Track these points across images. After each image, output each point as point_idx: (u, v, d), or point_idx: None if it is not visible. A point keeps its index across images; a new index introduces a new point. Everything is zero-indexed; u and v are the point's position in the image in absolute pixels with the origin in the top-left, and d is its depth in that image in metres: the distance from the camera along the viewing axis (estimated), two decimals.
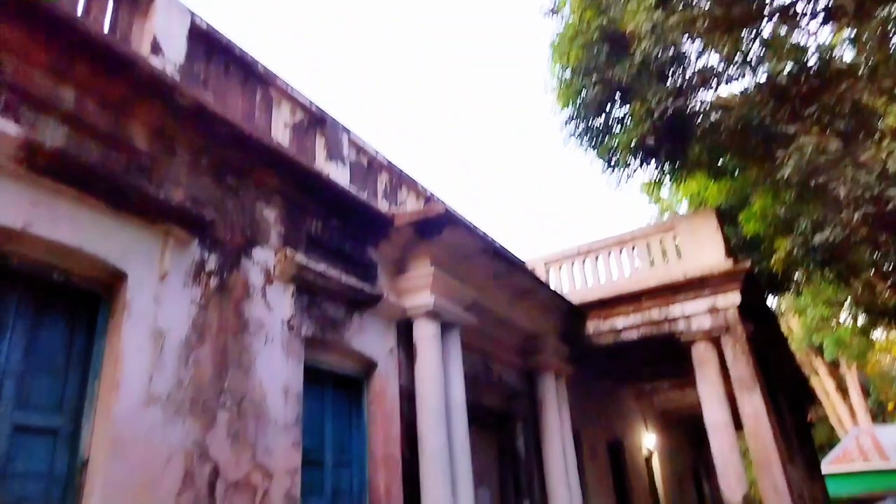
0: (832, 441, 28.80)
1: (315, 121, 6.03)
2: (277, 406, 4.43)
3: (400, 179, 7.11)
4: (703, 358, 7.91)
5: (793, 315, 24.43)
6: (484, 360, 7.41)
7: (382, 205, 6.65)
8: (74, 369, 3.56)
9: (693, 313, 8.03)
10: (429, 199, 7.40)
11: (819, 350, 25.56)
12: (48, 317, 3.55)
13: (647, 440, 13.22)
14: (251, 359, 4.34)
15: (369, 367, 5.59)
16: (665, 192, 16.60)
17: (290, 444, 4.43)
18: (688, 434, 16.65)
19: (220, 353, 4.13)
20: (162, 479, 3.54)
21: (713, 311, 7.89)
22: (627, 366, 10.91)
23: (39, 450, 3.32)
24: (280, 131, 5.62)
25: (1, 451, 3.16)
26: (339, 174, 5.98)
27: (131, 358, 3.59)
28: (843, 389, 27.65)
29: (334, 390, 5.30)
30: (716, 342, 7.92)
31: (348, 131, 6.32)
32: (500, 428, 7.79)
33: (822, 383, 27.62)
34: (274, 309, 4.64)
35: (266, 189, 4.85)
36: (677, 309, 8.16)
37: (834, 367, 27.39)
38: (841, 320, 21.87)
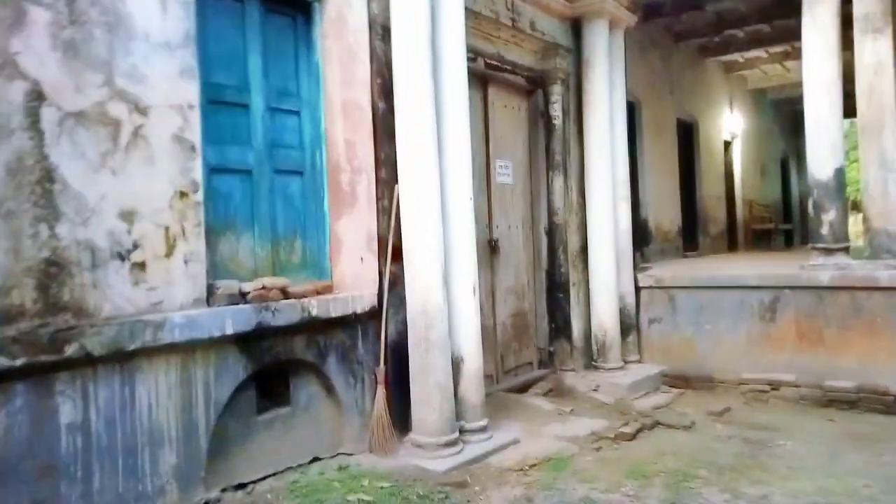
0: None
1: None
2: (148, 14, 3.07)
3: None
4: None
5: None
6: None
7: None
8: None
9: None
10: None
11: None
12: None
13: (731, 123, 11.47)
14: None
15: None
16: None
17: (176, 71, 3.17)
18: (782, 119, 14.59)
19: None
20: None
21: None
22: (713, 26, 8.68)
23: None
24: None
25: None
26: None
27: None
28: None
29: (267, 12, 3.85)
30: None
31: None
32: (532, 90, 6.30)
33: None
34: None
35: None
36: None
37: None
38: None
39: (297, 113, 3.98)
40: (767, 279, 6.13)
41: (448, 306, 4.26)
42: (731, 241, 11.42)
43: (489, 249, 5.73)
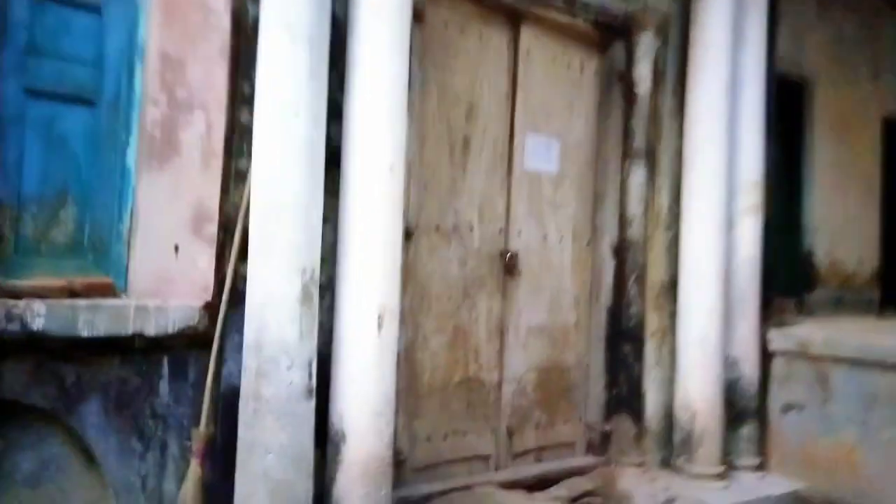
0: None
1: None
2: None
3: None
4: None
5: None
6: None
7: None
8: None
9: None
10: None
11: None
12: None
13: None
14: None
15: None
16: None
17: None
18: None
19: None
20: None
21: None
22: None
23: None
24: None
25: None
26: None
27: None
28: None
29: None
30: None
31: None
32: (605, 42, 4.26)
33: None
34: None
35: None
36: None
37: None
38: None
39: (95, 9, 2.52)
40: None
41: (319, 342, 2.51)
42: None
43: (501, 267, 3.80)
